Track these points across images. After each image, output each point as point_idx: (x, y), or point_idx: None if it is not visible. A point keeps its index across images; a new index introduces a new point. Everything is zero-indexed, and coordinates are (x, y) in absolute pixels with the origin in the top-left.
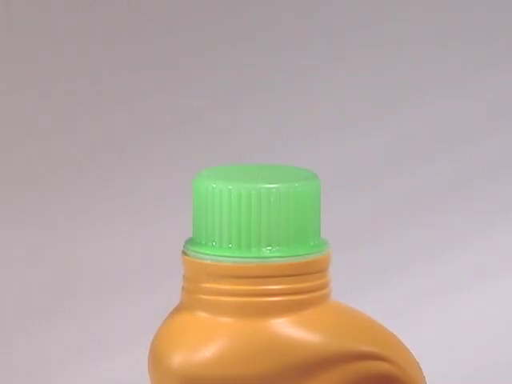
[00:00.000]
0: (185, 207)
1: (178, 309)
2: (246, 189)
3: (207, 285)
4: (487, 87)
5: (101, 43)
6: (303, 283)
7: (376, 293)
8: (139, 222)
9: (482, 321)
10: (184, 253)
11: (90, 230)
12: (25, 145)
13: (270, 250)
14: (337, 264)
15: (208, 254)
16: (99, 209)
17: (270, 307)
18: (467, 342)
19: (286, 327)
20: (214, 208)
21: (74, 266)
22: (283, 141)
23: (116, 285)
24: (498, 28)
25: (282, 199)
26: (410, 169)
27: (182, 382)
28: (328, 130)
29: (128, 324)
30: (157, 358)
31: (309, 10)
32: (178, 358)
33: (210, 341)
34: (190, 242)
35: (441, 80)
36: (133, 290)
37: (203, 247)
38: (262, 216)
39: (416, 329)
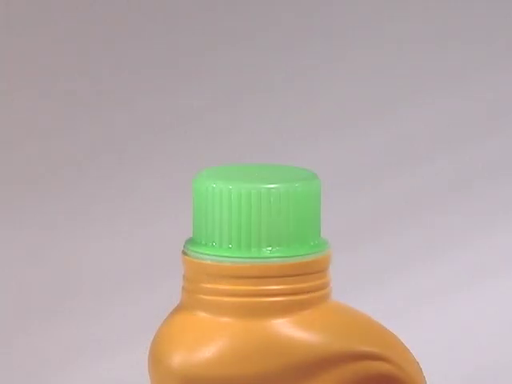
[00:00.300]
0: (185, 207)
1: (178, 309)
2: (246, 189)
3: (207, 285)
4: (487, 87)
5: (101, 43)
6: (303, 283)
7: (376, 293)
8: (139, 222)
9: (482, 321)
10: (184, 253)
11: (90, 230)
12: (25, 145)
13: (270, 250)
14: (337, 264)
15: (208, 255)
16: (99, 209)
17: (270, 307)
18: (467, 341)
19: (286, 327)
20: (214, 208)
21: (74, 266)
22: (283, 141)
23: (116, 285)
24: (498, 28)
25: (282, 199)
26: (410, 169)
27: (182, 382)
28: (328, 130)
29: (128, 324)
30: (157, 358)
31: (309, 10)
32: (178, 358)
33: (210, 341)
34: (190, 242)
35: (441, 80)
36: (133, 289)
37: (203, 247)
38: (262, 216)
39: (416, 329)
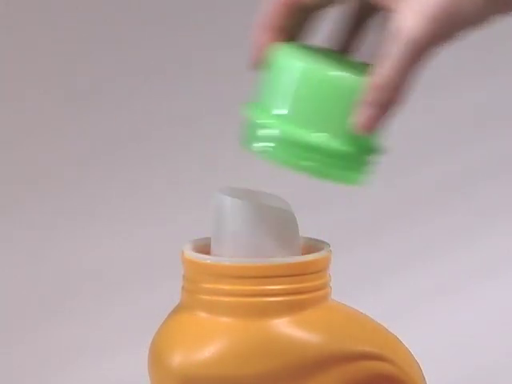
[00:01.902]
0: (185, 207)
1: (178, 309)
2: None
3: (207, 285)
4: (487, 88)
5: (101, 43)
6: (303, 283)
7: (376, 293)
8: (139, 222)
9: (482, 321)
10: (184, 253)
11: (90, 230)
12: (25, 145)
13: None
14: (337, 264)
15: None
16: (99, 209)
17: (270, 307)
18: (467, 342)
19: (286, 327)
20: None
21: (74, 266)
22: None
23: (116, 285)
24: (498, 28)
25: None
26: (410, 169)
27: (182, 382)
28: None
29: (128, 324)
30: (157, 358)
31: None
32: (178, 358)
33: (209, 341)
34: (254, 105)
35: (440, 80)
36: (133, 289)
37: (267, 116)
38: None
39: (416, 329)
